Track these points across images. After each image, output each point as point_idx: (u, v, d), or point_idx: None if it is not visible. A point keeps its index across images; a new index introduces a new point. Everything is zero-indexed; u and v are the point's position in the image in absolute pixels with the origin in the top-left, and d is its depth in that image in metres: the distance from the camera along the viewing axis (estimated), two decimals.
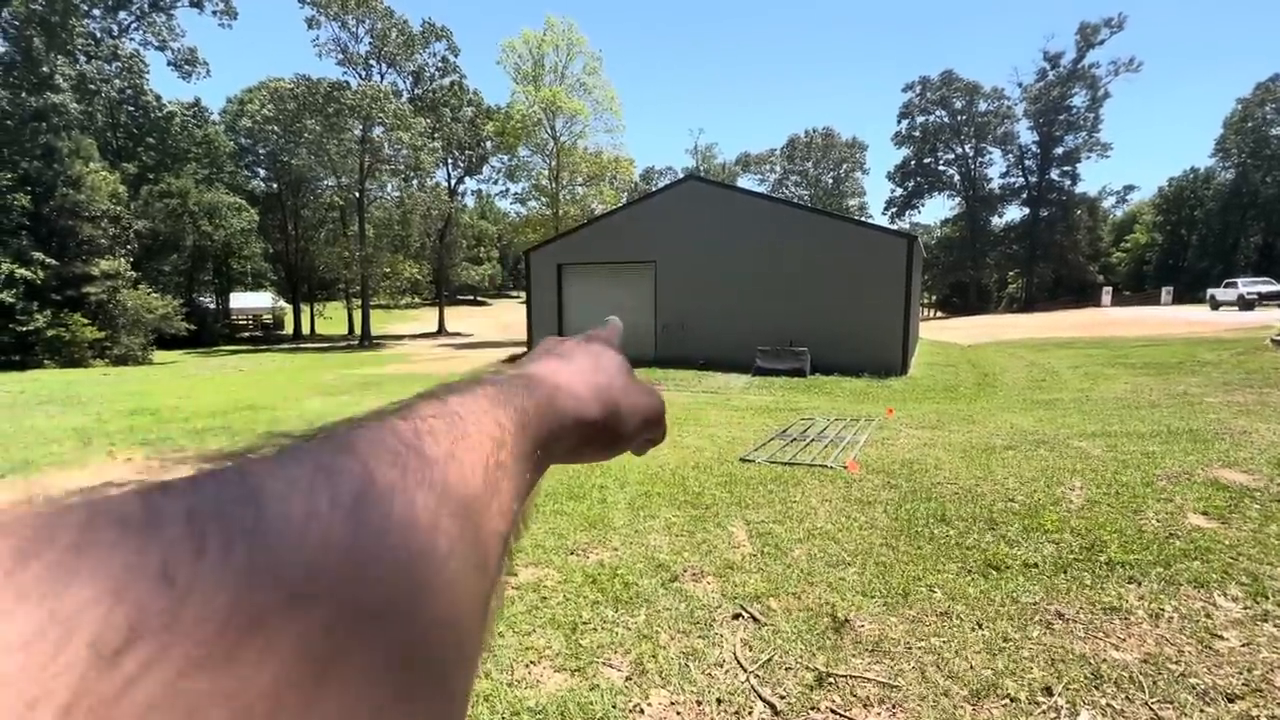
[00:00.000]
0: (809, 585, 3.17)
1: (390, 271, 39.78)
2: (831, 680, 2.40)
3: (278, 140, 40.12)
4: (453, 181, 49.28)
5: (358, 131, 37.44)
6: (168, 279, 37.26)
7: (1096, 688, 2.30)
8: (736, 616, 2.91)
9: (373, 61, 41.77)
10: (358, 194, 39.61)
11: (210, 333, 40.48)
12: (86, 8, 32.91)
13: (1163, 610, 2.80)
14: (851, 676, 2.42)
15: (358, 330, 41.48)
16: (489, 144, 44.81)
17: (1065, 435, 6.34)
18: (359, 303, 40.91)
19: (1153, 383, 11.47)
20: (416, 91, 44.55)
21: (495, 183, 49.01)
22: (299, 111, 36.62)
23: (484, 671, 2.48)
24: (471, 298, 74.15)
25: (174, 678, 0.12)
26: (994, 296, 65.33)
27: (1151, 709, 2.17)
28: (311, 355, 29.66)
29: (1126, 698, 2.24)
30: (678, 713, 2.27)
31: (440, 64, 45.19)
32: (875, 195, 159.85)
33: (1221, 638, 2.57)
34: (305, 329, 48.95)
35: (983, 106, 63.09)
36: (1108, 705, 2.21)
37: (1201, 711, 2.15)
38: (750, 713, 2.26)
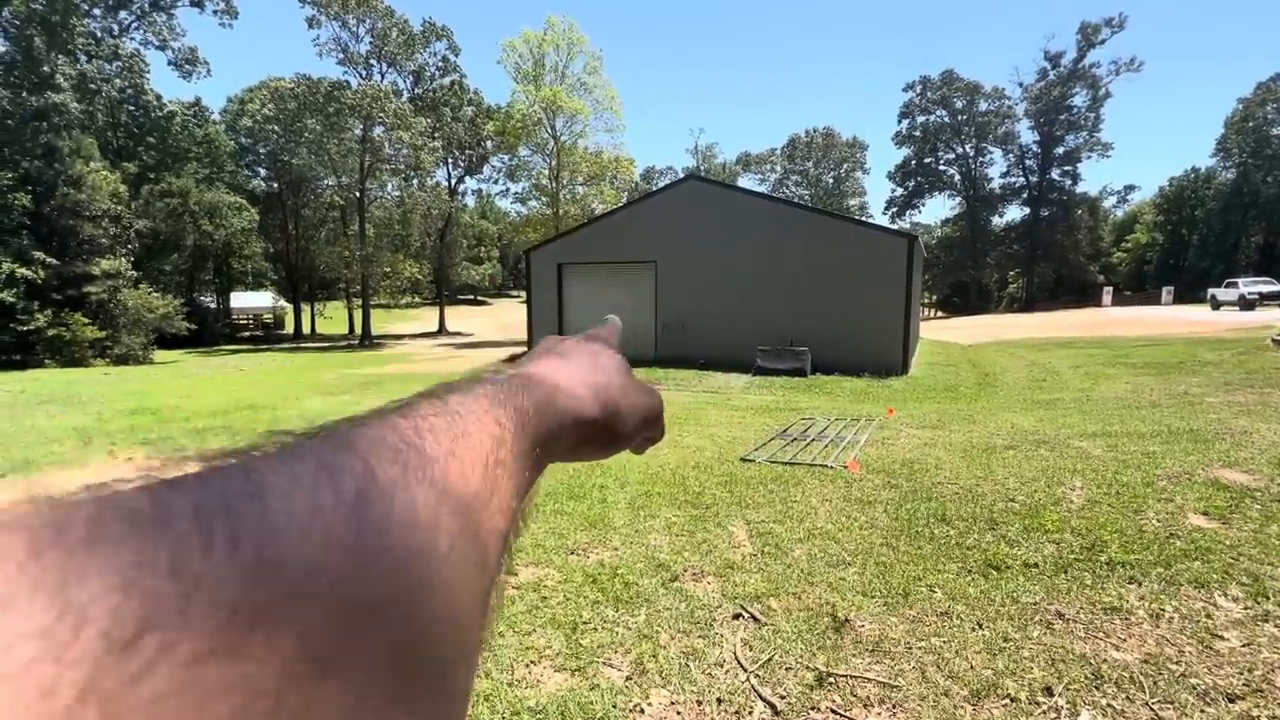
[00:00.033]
0: (809, 585, 3.17)
1: (390, 271, 39.78)
2: (832, 680, 2.40)
3: (278, 140, 40.14)
4: (453, 181, 49.31)
5: (358, 131, 37.45)
6: (168, 278, 37.29)
7: (1097, 688, 2.30)
8: (737, 616, 2.91)
9: (373, 61, 41.78)
10: (358, 193, 39.62)
11: (211, 332, 40.49)
12: (87, 7, 32.92)
13: (1163, 610, 2.80)
14: (852, 676, 2.42)
15: (358, 330, 41.50)
16: (489, 143, 44.83)
17: (1066, 435, 6.34)
18: (359, 302, 40.92)
19: (1153, 383, 11.47)
20: (417, 91, 44.56)
21: (495, 182, 49.08)
22: (299, 111, 36.62)
23: (484, 671, 2.48)
24: (472, 297, 74.16)
25: (183, 669, 0.12)
26: (994, 296, 65.31)
27: (1152, 709, 2.17)
28: (312, 355, 29.68)
29: (1127, 698, 2.24)
30: (678, 712, 2.27)
31: (441, 63, 45.21)
32: (876, 195, 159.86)
33: (1222, 638, 2.57)
34: (306, 328, 48.97)
35: (983, 106, 63.06)
36: (1108, 705, 2.21)
37: (1202, 712, 2.15)
38: (750, 712, 2.26)
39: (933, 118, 64.90)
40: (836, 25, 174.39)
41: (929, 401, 10.94)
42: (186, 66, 40.25)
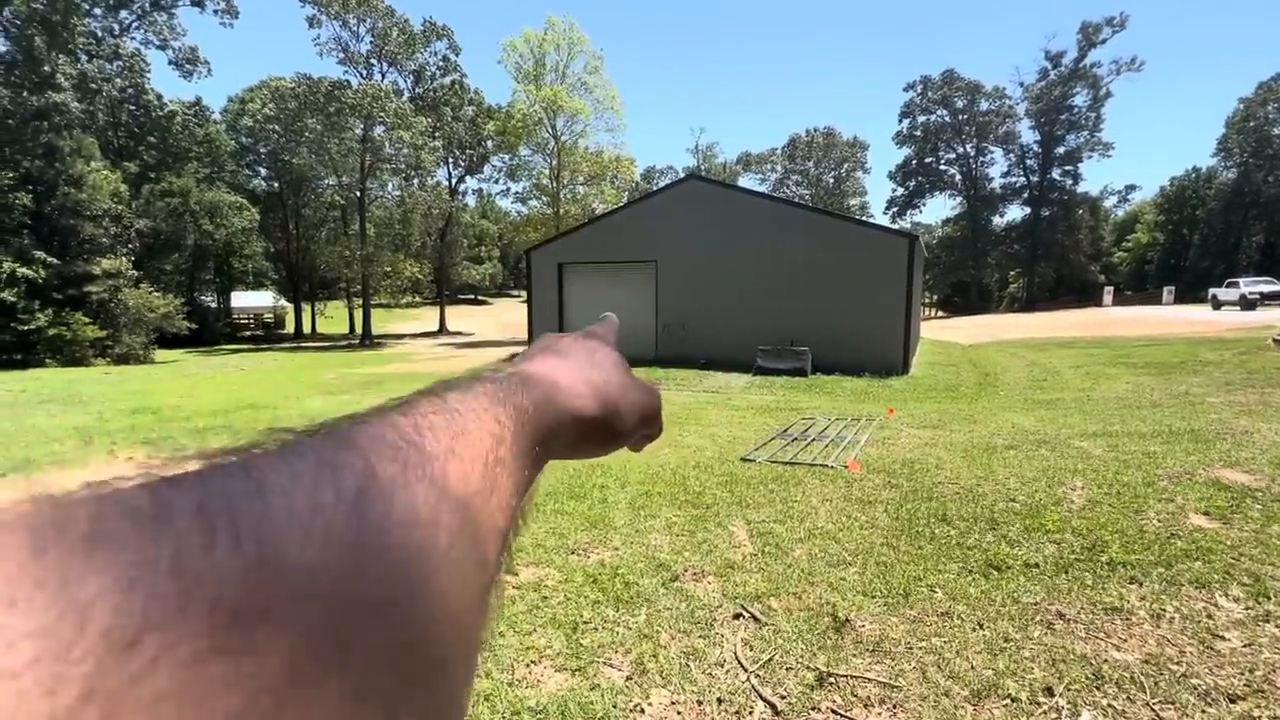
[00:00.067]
0: (810, 585, 3.17)
1: (391, 271, 39.79)
2: (832, 680, 2.40)
3: (279, 139, 40.15)
4: (453, 180, 49.31)
5: (359, 130, 37.45)
6: (169, 278, 37.31)
7: (1098, 688, 2.30)
8: (737, 616, 2.91)
9: (374, 60, 41.78)
10: (359, 193, 39.63)
11: (211, 332, 40.50)
12: (88, 7, 32.92)
13: (1164, 611, 2.80)
14: (852, 676, 2.42)
15: (358, 329, 41.51)
16: (490, 143, 44.82)
17: (1066, 435, 6.33)
18: (360, 302, 40.93)
19: (1154, 382, 11.46)
20: (417, 90, 44.55)
21: (496, 182, 49.06)
22: (300, 110, 36.63)
23: (485, 671, 2.48)
24: (472, 297, 74.16)
25: (185, 668, 0.12)
26: (995, 296, 65.28)
27: (1153, 709, 2.17)
28: (312, 354, 29.69)
29: (1128, 698, 2.24)
30: (678, 712, 2.27)
31: (441, 63, 45.20)
32: (876, 195, 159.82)
33: (1223, 638, 2.57)
34: (306, 328, 48.98)
35: (984, 106, 63.03)
36: (1109, 706, 2.21)
37: (1203, 712, 2.15)
38: (751, 712, 2.25)
39: (933, 117, 64.88)
40: (837, 25, 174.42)
41: (929, 401, 10.94)
42: (187, 66, 40.25)
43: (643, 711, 2.27)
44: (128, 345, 26.99)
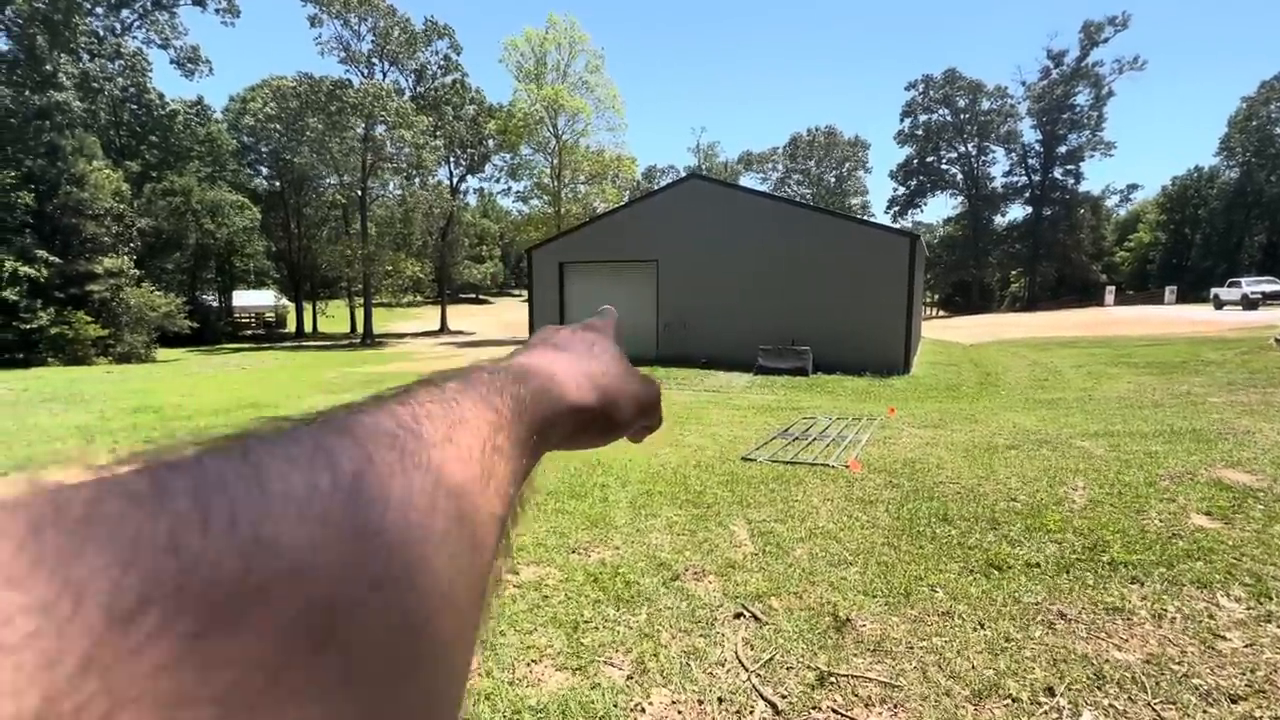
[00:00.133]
0: (811, 584, 3.17)
1: (392, 270, 39.80)
2: (833, 680, 2.40)
3: (280, 138, 40.18)
4: (455, 180, 49.29)
5: (360, 130, 37.46)
6: (171, 277, 37.36)
7: (1099, 688, 2.30)
8: (738, 615, 2.91)
9: (375, 60, 41.79)
10: (360, 192, 39.65)
11: (213, 331, 40.54)
12: (89, 6, 32.95)
13: (1165, 611, 2.79)
14: (853, 676, 2.42)
15: (360, 328, 41.52)
16: (491, 142, 44.82)
17: (1068, 435, 6.32)
18: (361, 301, 40.95)
19: (1156, 382, 11.45)
20: (419, 90, 44.55)
21: (497, 181, 49.05)
22: (301, 110, 36.66)
23: (485, 670, 2.48)
24: (474, 296, 74.18)
25: (183, 642, 0.13)
26: (996, 295, 65.22)
27: (1154, 710, 2.17)
28: (314, 353, 29.71)
29: (1129, 698, 2.23)
30: (679, 712, 2.27)
31: (442, 62, 45.18)
32: (878, 194, 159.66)
33: (1224, 638, 2.56)
34: (307, 327, 49.02)
35: (986, 105, 62.94)
36: (1110, 706, 2.20)
37: (1204, 712, 2.15)
38: (752, 712, 2.25)
39: (935, 116, 64.80)
40: (839, 24, 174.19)
41: (931, 401, 10.93)
42: (189, 65, 40.28)
43: (643, 711, 2.27)
44: (129, 344, 27.02)
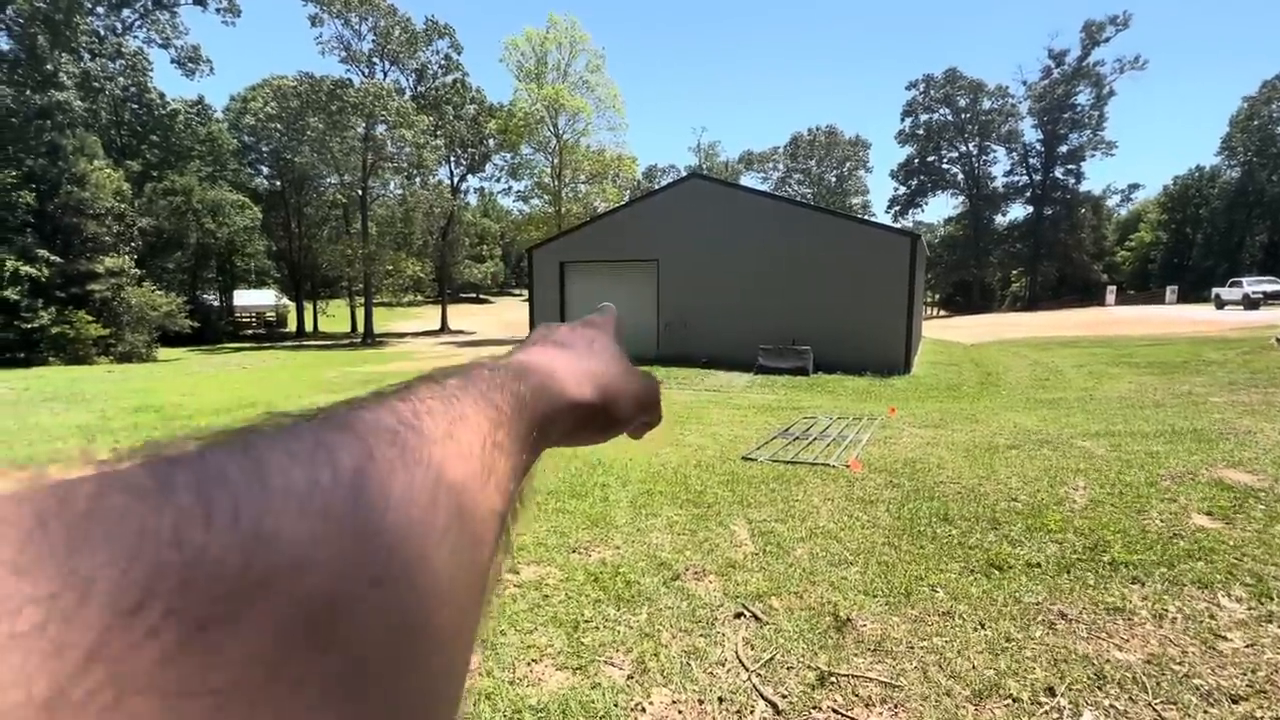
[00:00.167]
0: (811, 584, 3.17)
1: (393, 269, 39.82)
2: (833, 680, 2.40)
3: (281, 138, 40.18)
4: (455, 179, 49.29)
5: (361, 129, 37.47)
6: (171, 276, 37.37)
7: (1100, 688, 2.30)
8: (738, 615, 2.91)
9: (376, 59, 41.80)
10: (360, 192, 39.66)
11: (214, 330, 40.55)
12: (90, 5, 32.99)
13: (1166, 611, 2.79)
14: (853, 676, 2.42)
15: (360, 328, 41.55)
16: (492, 142, 44.81)
17: (1069, 435, 6.32)
18: (362, 300, 40.97)
19: (1157, 382, 11.44)
20: (419, 89, 44.56)
21: (498, 180, 49.03)
22: (302, 109, 36.67)
23: (486, 670, 2.48)
24: (474, 296, 74.18)
25: (188, 634, 0.13)
26: (997, 295, 65.17)
27: (1155, 710, 2.17)
28: (314, 353, 29.73)
29: (1130, 698, 2.23)
30: (679, 711, 2.27)
31: (443, 61, 45.19)
32: (878, 193, 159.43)
33: (1225, 639, 2.56)
34: (308, 327, 49.04)
35: (987, 104, 62.90)
36: (1111, 706, 2.20)
37: (1205, 713, 2.15)
38: (752, 712, 2.25)
39: (936, 116, 64.76)
40: (839, 23, 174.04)
41: (931, 400, 10.92)
42: (189, 65, 40.30)
43: (644, 710, 2.27)
44: (130, 343, 27.04)
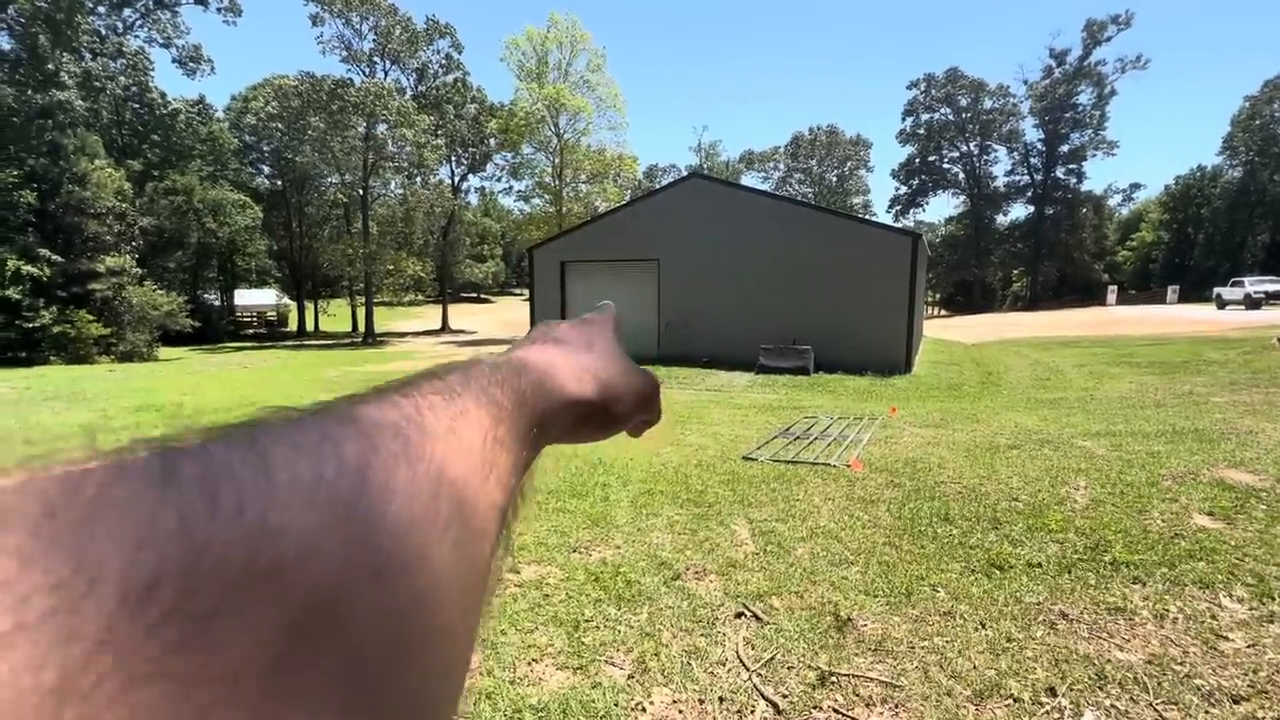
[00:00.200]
0: (812, 584, 3.17)
1: (394, 269, 39.82)
2: (834, 679, 2.40)
3: (282, 137, 40.18)
4: (456, 179, 49.28)
5: (361, 129, 37.48)
6: (173, 276, 37.37)
7: (1101, 688, 2.30)
8: (739, 615, 2.90)
9: (377, 59, 41.79)
10: (361, 191, 39.67)
11: (215, 329, 40.56)
12: (91, 5, 33.00)
13: (1167, 611, 2.79)
14: (854, 676, 2.42)
15: (361, 327, 41.57)
16: (492, 141, 44.78)
17: (1070, 434, 6.31)
18: (363, 300, 40.99)
19: (1158, 382, 11.43)
20: (420, 89, 44.54)
21: (499, 180, 48.99)
22: (303, 109, 36.67)
23: (486, 669, 2.48)
24: (475, 295, 74.19)
25: (195, 621, 0.13)
26: (998, 295, 65.12)
27: (1156, 710, 2.16)
28: (315, 352, 29.75)
29: (1131, 699, 2.23)
30: (680, 711, 2.26)
31: (444, 61, 45.17)
32: (879, 193, 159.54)
33: (1227, 639, 2.56)
34: (309, 326, 49.07)
35: (988, 104, 62.84)
36: (1112, 706, 2.20)
37: (1206, 713, 2.14)
38: (753, 711, 2.25)
39: (937, 115, 64.70)
40: (841, 23, 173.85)
41: (932, 400, 10.92)
42: (190, 64, 40.32)
43: (644, 710, 2.27)
44: (132, 343, 27.07)
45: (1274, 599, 2.82)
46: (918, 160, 66.26)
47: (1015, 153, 62.91)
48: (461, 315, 52.96)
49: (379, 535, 0.17)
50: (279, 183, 47.11)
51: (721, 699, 2.31)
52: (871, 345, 14.94)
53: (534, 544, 3.66)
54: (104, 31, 35.79)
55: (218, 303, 45.71)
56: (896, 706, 2.25)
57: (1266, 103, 50.85)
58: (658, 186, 27.25)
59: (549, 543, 3.71)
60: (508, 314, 52.75)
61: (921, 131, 65.37)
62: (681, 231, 17.52)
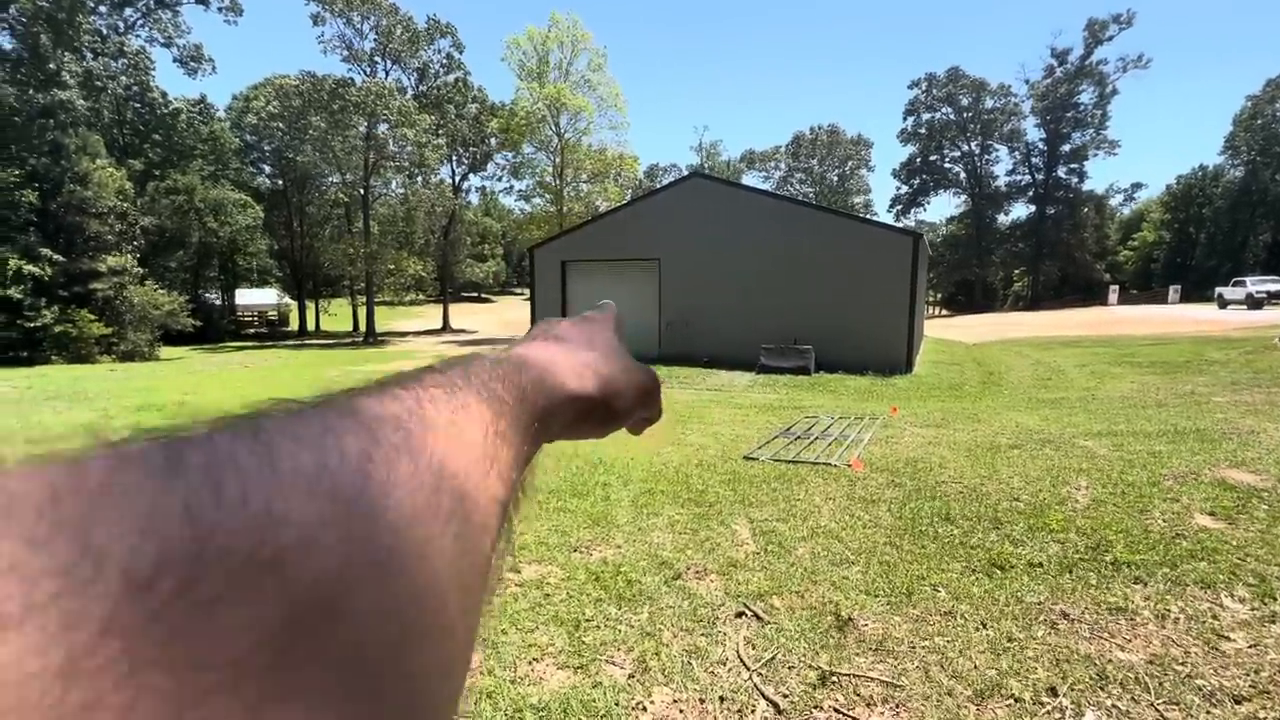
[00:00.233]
0: (812, 584, 3.17)
1: (395, 268, 39.81)
2: (835, 679, 2.40)
3: (283, 137, 40.20)
4: (457, 178, 49.27)
5: (362, 128, 37.47)
6: (174, 275, 37.40)
7: (1102, 688, 2.29)
8: (740, 615, 2.90)
9: (378, 58, 41.78)
10: (362, 191, 39.67)
11: (216, 329, 40.59)
12: (92, 5, 33.02)
13: (1169, 611, 2.78)
14: (855, 675, 2.42)
15: (362, 327, 41.56)
16: (493, 141, 44.79)
17: (1071, 434, 6.31)
18: (363, 299, 40.98)
19: (1159, 382, 11.42)
20: (421, 88, 44.53)
21: (500, 179, 48.98)
22: (304, 108, 36.68)
23: (487, 668, 2.48)
24: (476, 295, 74.21)
25: (200, 608, 0.13)
26: (1000, 294, 65.06)
27: (1157, 710, 2.16)
28: (316, 351, 29.76)
29: (1132, 699, 2.23)
30: (680, 711, 2.26)
31: (445, 60, 45.15)
32: (880, 193, 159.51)
33: (1228, 639, 2.55)
34: (310, 325, 49.10)
35: (989, 104, 62.75)
36: (1113, 706, 2.20)
37: (1208, 713, 2.14)
38: (753, 711, 2.25)
39: (938, 115, 64.61)
40: (841, 22, 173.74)
41: (933, 400, 10.91)
42: (191, 64, 40.35)
43: (645, 709, 2.27)
44: (133, 342, 27.09)
45: (1275, 599, 2.82)
46: (919, 160, 66.19)
47: (1016, 152, 62.86)
48: (462, 315, 52.97)
49: (381, 527, 0.17)
50: (280, 182, 47.12)
51: (722, 698, 2.31)
52: (872, 345, 14.93)
53: (535, 543, 3.66)
54: (105, 31, 35.81)
55: (219, 302, 45.75)
56: (897, 706, 2.25)
57: (1269, 102, 50.76)
58: (659, 186, 27.25)
59: (550, 542, 3.71)
60: (509, 313, 52.76)
61: (923, 131, 65.30)
62: (682, 231, 17.51)
